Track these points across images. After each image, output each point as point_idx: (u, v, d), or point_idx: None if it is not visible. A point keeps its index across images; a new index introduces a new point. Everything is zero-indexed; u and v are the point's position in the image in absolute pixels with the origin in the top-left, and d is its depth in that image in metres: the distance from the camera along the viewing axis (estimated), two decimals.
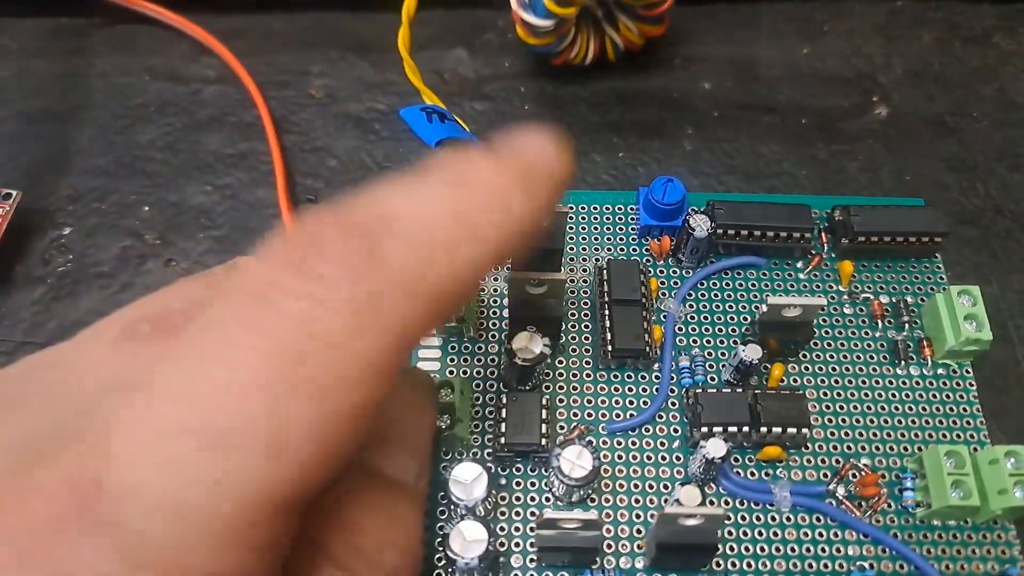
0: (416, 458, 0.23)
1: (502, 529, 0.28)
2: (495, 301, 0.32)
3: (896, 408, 0.30)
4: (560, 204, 0.30)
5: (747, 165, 0.37)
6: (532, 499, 0.28)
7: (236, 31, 0.40)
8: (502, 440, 0.28)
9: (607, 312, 0.31)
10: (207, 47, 0.40)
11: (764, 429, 0.28)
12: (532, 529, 0.28)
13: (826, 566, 0.27)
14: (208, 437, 0.14)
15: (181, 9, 0.40)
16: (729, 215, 0.32)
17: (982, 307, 0.30)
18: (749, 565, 0.27)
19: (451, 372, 0.31)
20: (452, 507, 0.27)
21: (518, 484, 0.29)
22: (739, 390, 0.29)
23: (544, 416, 0.29)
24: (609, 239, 0.34)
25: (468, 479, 0.26)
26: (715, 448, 0.27)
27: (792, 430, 0.28)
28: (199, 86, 0.39)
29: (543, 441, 0.28)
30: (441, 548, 0.26)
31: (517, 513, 0.28)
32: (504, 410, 0.29)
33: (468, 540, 0.26)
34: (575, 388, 0.31)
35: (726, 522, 0.28)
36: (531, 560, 0.27)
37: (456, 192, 0.16)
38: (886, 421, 0.30)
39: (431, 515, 0.28)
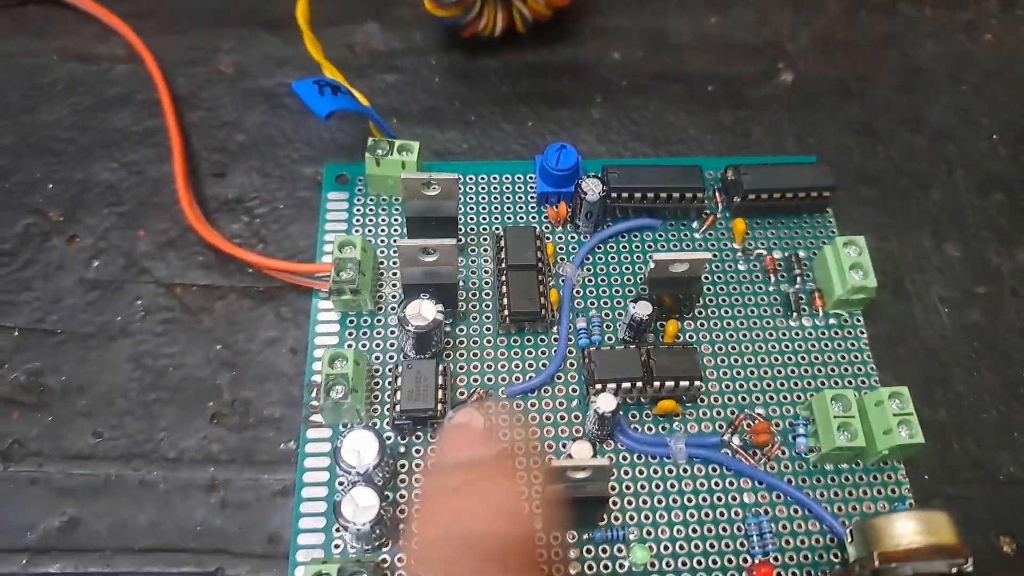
0: None
1: (402, 497, 0.28)
2: (394, 273, 0.32)
3: (789, 359, 0.31)
4: (450, 173, 0.30)
5: (654, 132, 0.37)
6: None
7: (147, 11, 0.40)
8: (398, 408, 0.28)
9: (504, 277, 0.31)
10: (116, 28, 0.39)
11: (657, 384, 0.29)
12: None
13: (722, 514, 0.28)
14: None
15: None
16: (623, 179, 0.32)
17: (867, 256, 0.30)
18: (647, 517, 0.28)
19: (350, 345, 0.31)
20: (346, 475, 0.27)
21: (418, 452, 0.29)
22: (633, 347, 0.29)
23: (441, 382, 0.29)
24: (509, 208, 0.34)
25: (358, 447, 0.26)
26: (605, 403, 0.27)
27: (685, 383, 0.29)
28: (108, 65, 0.39)
29: (439, 407, 0.28)
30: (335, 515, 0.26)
31: (417, 480, 0.28)
32: (400, 378, 0.29)
33: (360, 506, 0.26)
34: (475, 354, 0.31)
35: (624, 476, 0.28)
36: None
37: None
38: (779, 371, 0.30)
39: (330, 487, 0.28)
